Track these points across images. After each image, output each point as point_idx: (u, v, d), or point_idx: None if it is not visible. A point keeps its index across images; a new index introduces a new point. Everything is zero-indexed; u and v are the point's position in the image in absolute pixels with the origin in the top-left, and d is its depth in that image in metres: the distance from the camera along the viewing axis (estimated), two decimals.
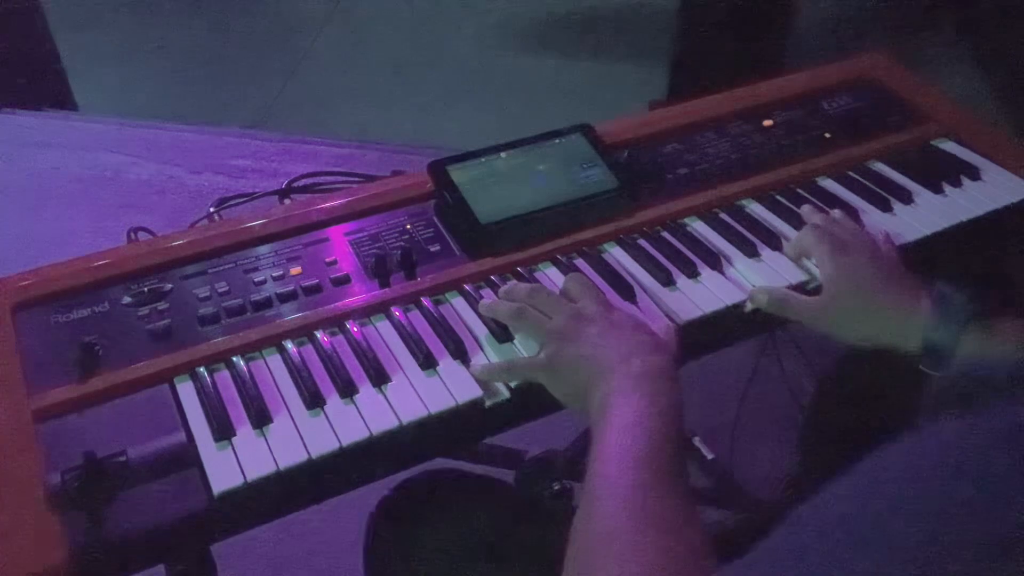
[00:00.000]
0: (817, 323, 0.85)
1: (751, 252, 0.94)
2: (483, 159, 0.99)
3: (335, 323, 0.84)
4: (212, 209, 1.07)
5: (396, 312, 0.86)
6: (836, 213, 0.95)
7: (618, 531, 0.56)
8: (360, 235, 0.94)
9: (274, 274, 0.88)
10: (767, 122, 1.12)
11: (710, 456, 1.58)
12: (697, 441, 1.60)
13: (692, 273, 0.91)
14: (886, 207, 1.01)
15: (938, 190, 1.04)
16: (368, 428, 0.74)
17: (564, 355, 0.75)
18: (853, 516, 0.43)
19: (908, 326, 0.78)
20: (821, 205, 1.00)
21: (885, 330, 0.81)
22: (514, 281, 0.88)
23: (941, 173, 1.06)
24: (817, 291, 0.87)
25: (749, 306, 0.88)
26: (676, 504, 0.59)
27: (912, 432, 0.46)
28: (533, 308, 0.80)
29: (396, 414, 0.76)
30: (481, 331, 0.84)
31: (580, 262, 0.93)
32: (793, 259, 0.93)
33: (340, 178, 1.15)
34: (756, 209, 1.01)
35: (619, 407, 0.66)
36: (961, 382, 0.48)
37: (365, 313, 0.86)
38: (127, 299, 0.85)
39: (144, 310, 0.84)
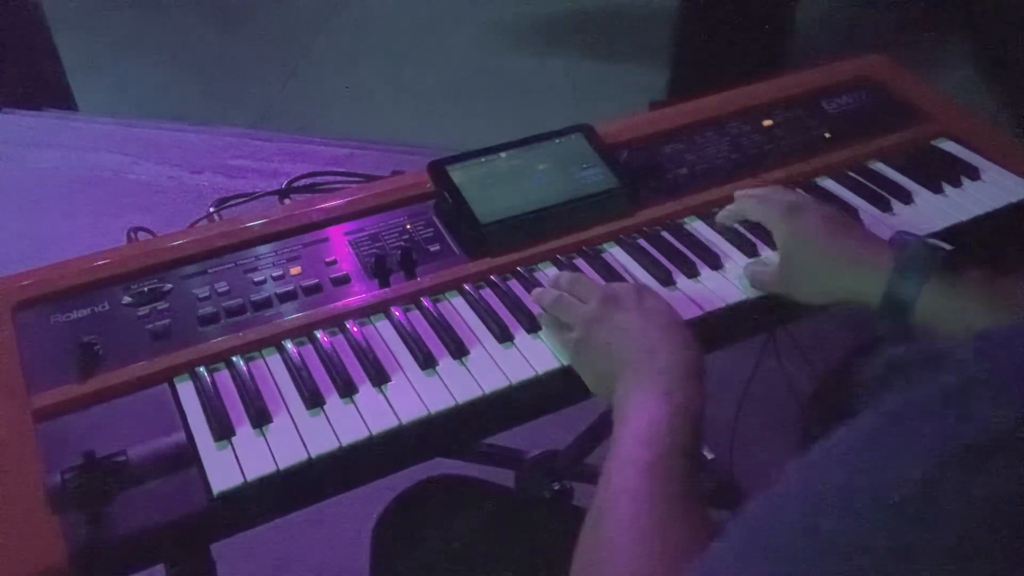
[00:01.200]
0: (782, 288, 0.85)
1: (751, 252, 0.94)
2: (483, 159, 0.99)
3: (335, 323, 0.84)
4: (212, 209, 1.08)
5: (396, 312, 0.86)
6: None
7: (624, 542, 0.56)
8: (360, 235, 0.94)
9: (274, 274, 0.88)
10: (767, 122, 1.12)
11: (710, 456, 1.58)
12: None
13: (692, 273, 0.91)
14: (886, 207, 1.01)
15: (938, 190, 1.04)
16: (368, 428, 0.74)
17: (592, 340, 0.75)
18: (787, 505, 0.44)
19: (869, 278, 0.76)
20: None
21: (846, 283, 0.79)
22: (558, 271, 0.89)
23: (941, 173, 1.06)
24: None
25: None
26: (685, 515, 0.58)
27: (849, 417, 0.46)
28: (570, 295, 0.81)
29: (396, 414, 0.76)
30: (481, 331, 0.84)
31: (580, 262, 0.93)
32: (725, 224, 0.94)
33: (340, 178, 1.15)
34: None
35: (637, 410, 0.65)
36: (897, 364, 0.48)
37: (365, 313, 0.86)
38: (127, 299, 0.85)
39: (144, 310, 0.84)
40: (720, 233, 0.96)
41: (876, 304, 0.76)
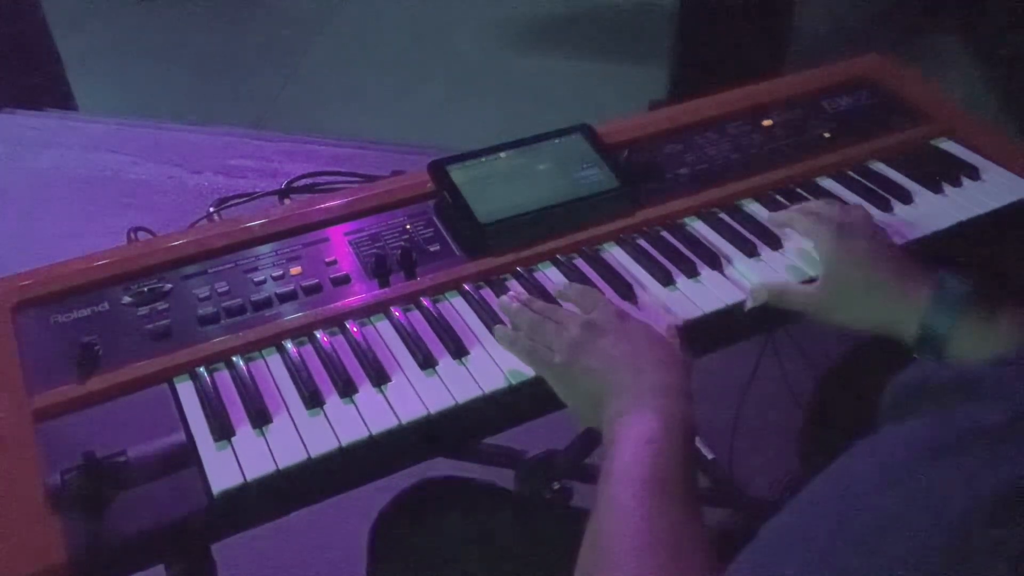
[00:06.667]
0: (818, 310, 0.84)
1: (751, 252, 0.94)
2: (483, 159, 0.99)
3: (335, 323, 0.84)
4: (212, 209, 1.08)
5: (396, 312, 0.86)
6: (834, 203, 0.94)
7: (626, 557, 0.57)
8: (360, 235, 0.94)
9: (274, 274, 0.88)
10: (767, 122, 1.12)
11: (710, 456, 1.58)
12: (697, 441, 1.59)
13: (692, 273, 0.91)
14: (886, 207, 1.01)
15: (938, 190, 1.04)
16: (368, 428, 0.74)
17: (576, 366, 0.75)
18: (815, 522, 0.43)
19: (907, 310, 0.77)
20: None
21: (884, 313, 0.80)
22: (523, 292, 0.87)
23: (941, 173, 1.06)
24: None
25: (749, 304, 0.88)
26: (685, 527, 0.59)
27: (875, 434, 0.46)
28: (550, 320, 0.80)
29: (396, 414, 0.76)
30: (481, 331, 0.84)
31: (580, 262, 0.93)
32: (776, 225, 0.95)
33: (340, 178, 1.15)
34: (756, 209, 1.01)
35: (631, 427, 0.66)
36: (913, 389, 0.48)
37: (365, 313, 0.86)
38: (127, 299, 0.85)
39: (144, 310, 0.84)
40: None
41: (911, 337, 0.77)
